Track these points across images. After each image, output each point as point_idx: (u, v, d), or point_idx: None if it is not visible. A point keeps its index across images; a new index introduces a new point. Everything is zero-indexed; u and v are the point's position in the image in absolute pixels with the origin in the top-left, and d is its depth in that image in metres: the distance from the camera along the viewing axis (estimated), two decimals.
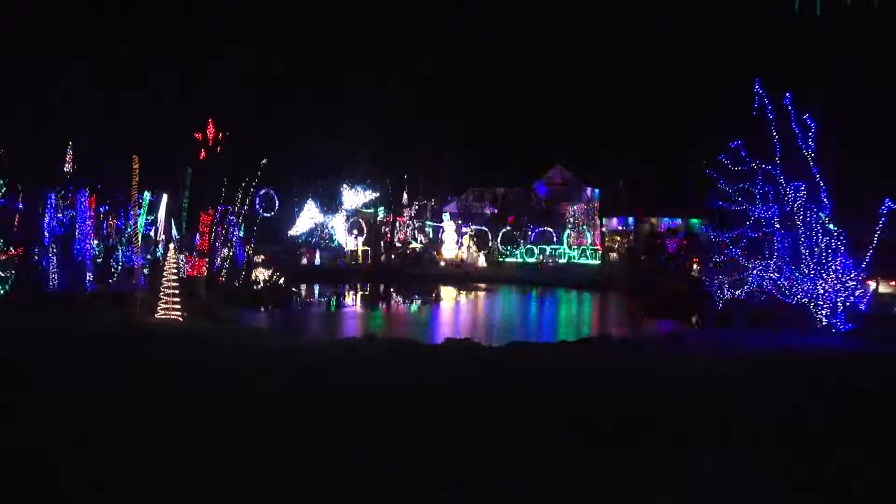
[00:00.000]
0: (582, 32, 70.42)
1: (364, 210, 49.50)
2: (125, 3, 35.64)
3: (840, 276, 17.99)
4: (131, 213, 27.23)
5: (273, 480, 6.37)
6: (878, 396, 10.40)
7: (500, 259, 48.90)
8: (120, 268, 26.13)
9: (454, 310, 30.85)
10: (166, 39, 34.71)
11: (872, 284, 19.90)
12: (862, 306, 18.53)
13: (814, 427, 8.62)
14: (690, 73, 46.03)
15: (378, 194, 49.79)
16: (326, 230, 47.96)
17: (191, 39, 34.48)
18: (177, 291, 18.07)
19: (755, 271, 19.51)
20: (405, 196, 52.71)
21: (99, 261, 25.34)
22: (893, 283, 18.57)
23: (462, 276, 43.66)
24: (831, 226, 18.22)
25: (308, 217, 47.08)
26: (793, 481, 6.72)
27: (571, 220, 54.24)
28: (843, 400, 10.10)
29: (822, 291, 18.09)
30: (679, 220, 47.77)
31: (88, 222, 23.60)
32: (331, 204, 48.16)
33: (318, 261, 43.90)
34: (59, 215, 23.80)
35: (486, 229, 51.13)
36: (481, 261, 48.45)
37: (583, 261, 47.29)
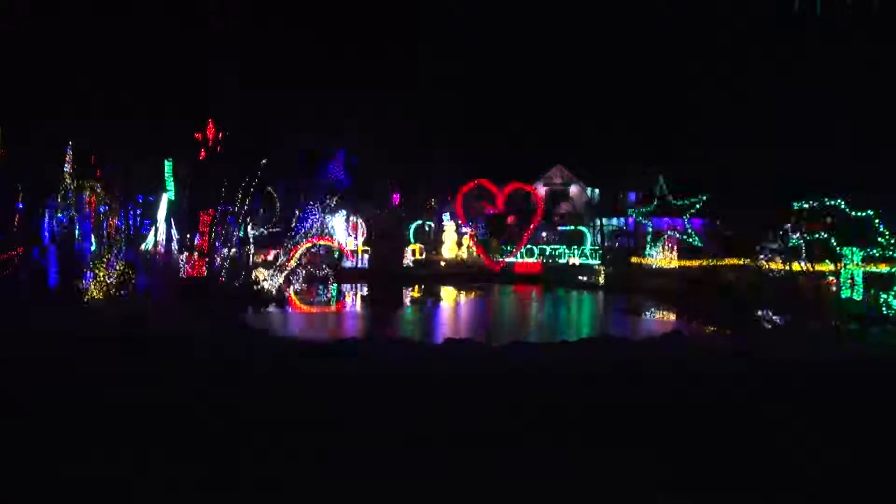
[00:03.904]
0: (582, 32, 70.39)
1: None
2: (125, 2, 35.64)
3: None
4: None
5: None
6: (878, 397, 10.40)
7: (501, 259, 48.86)
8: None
9: (454, 310, 30.88)
10: (165, 38, 34.69)
11: None
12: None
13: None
14: (691, 73, 46.05)
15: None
16: (327, 230, 47.91)
17: (190, 38, 34.46)
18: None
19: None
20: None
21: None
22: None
23: (462, 275, 43.80)
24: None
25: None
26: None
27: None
28: (842, 399, 10.11)
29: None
30: (680, 220, 47.70)
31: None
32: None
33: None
34: (60, 215, 23.78)
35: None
36: (481, 261, 48.45)
37: (582, 260, 47.25)
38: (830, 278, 18.51)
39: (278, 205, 39.06)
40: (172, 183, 27.43)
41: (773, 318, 19.78)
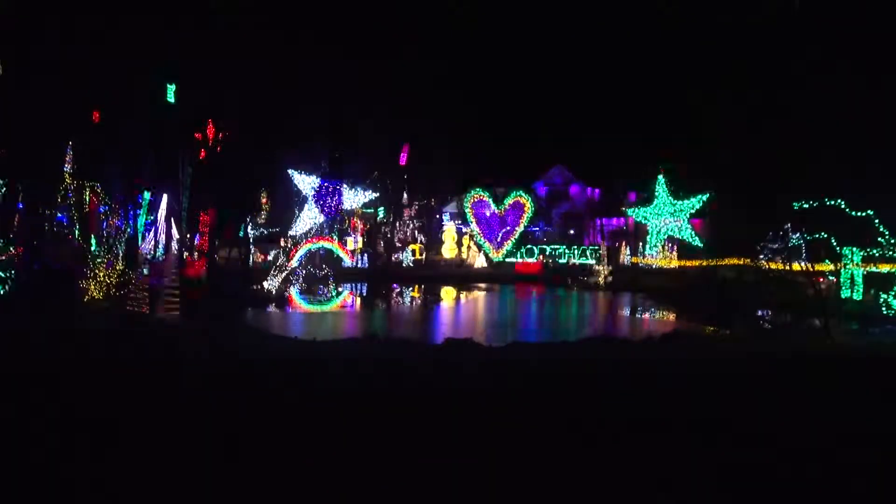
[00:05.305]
0: (583, 32, 70.38)
1: (364, 210, 49.47)
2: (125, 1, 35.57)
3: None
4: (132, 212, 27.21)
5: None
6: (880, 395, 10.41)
7: (500, 259, 48.86)
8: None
9: (454, 310, 30.87)
10: (165, 38, 34.62)
11: None
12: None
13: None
14: (691, 73, 46.05)
15: (378, 194, 49.73)
16: (327, 230, 47.87)
17: (189, 39, 34.38)
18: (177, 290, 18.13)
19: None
20: (405, 196, 52.71)
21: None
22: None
23: (462, 276, 43.85)
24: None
25: (308, 217, 47.01)
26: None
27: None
28: (841, 398, 10.11)
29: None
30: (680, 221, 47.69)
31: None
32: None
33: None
34: (60, 215, 23.81)
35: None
36: (481, 261, 48.47)
37: (582, 260, 47.26)
38: (830, 278, 18.53)
39: (267, 205, 39.13)
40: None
41: (772, 317, 19.81)
